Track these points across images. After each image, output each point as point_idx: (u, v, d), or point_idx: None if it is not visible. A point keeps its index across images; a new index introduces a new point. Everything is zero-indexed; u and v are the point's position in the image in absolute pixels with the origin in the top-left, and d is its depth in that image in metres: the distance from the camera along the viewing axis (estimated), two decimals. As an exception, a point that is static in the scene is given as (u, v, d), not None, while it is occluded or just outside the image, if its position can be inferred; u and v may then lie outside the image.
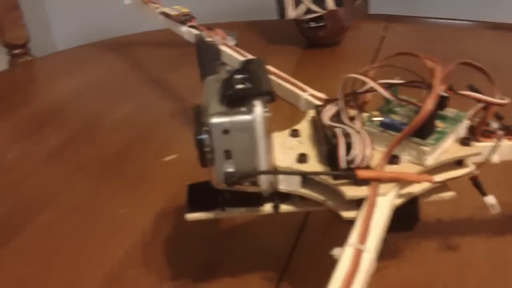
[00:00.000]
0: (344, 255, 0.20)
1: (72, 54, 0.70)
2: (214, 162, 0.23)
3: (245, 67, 0.24)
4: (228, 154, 0.23)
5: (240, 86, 0.23)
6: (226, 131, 0.22)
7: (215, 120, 0.22)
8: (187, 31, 0.44)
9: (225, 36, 0.41)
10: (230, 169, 0.23)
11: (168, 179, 0.40)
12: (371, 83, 0.24)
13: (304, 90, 0.32)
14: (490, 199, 0.27)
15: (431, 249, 0.31)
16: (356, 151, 0.23)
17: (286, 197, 0.26)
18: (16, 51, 0.68)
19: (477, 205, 0.32)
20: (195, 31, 0.43)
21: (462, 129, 0.26)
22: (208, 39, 0.40)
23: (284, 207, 0.26)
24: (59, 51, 0.74)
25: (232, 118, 0.22)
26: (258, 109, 0.22)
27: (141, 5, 0.52)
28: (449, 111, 0.27)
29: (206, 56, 0.40)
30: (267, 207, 0.26)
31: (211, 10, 0.83)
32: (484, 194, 0.28)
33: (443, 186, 0.26)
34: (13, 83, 0.64)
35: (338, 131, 0.24)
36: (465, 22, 1.00)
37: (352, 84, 0.27)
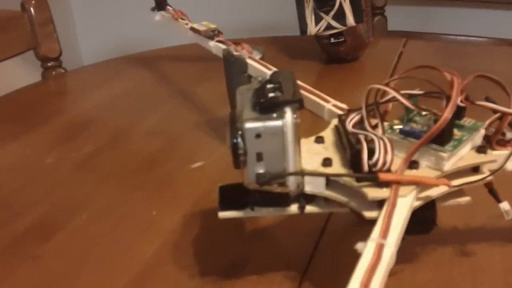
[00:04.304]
0: (367, 249, 0.22)
1: (101, 68, 0.73)
2: (247, 164, 0.25)
3: (276, 77, 0.26)
4: (259, 157, 0.25)
5: (271, 95, 0.25)
6: (258, 135, 0.24)
7: (248, 125, 0.24)
8: (215, 46, 0.47)
9: (251, 50, 0.43)
10: (261, 170, 0.25)
11: (194, 185, 0.42)
12: (394, 93, 0.26)
13: (327, 101, 0.34)
14: (505, 205, 0.29)
15: (446, 255, 0.32)
16: (378, 155, 0.25)
17: (311, 198, 0.28)
18: (49, 64, 0.71)
19: (492, 213, 0.33)
20: (222, 46, 0.45)
21: (478, 138, 0.28)
22: (235, 53, 0.42)
23: (309, 208, 0.28)
24: (89, 65, 0.77)
25: (264, 123, 0.24)
26: (288, 115, 0.24)
27: (171, 21, 0.55)
28: (467, 121, 0.29)
29: (234, 69, 0.42)
30: (293, 208, 0.28)
31: (235, 26, 0.86)
32: (499, 200, 0.29)
33: (459, 191, 0.28)
34: (47, 94, 0.67)
35: (361, 137, 0.26)
36: (482, 39, 1.01)
37: (373, 95, 0.29)
